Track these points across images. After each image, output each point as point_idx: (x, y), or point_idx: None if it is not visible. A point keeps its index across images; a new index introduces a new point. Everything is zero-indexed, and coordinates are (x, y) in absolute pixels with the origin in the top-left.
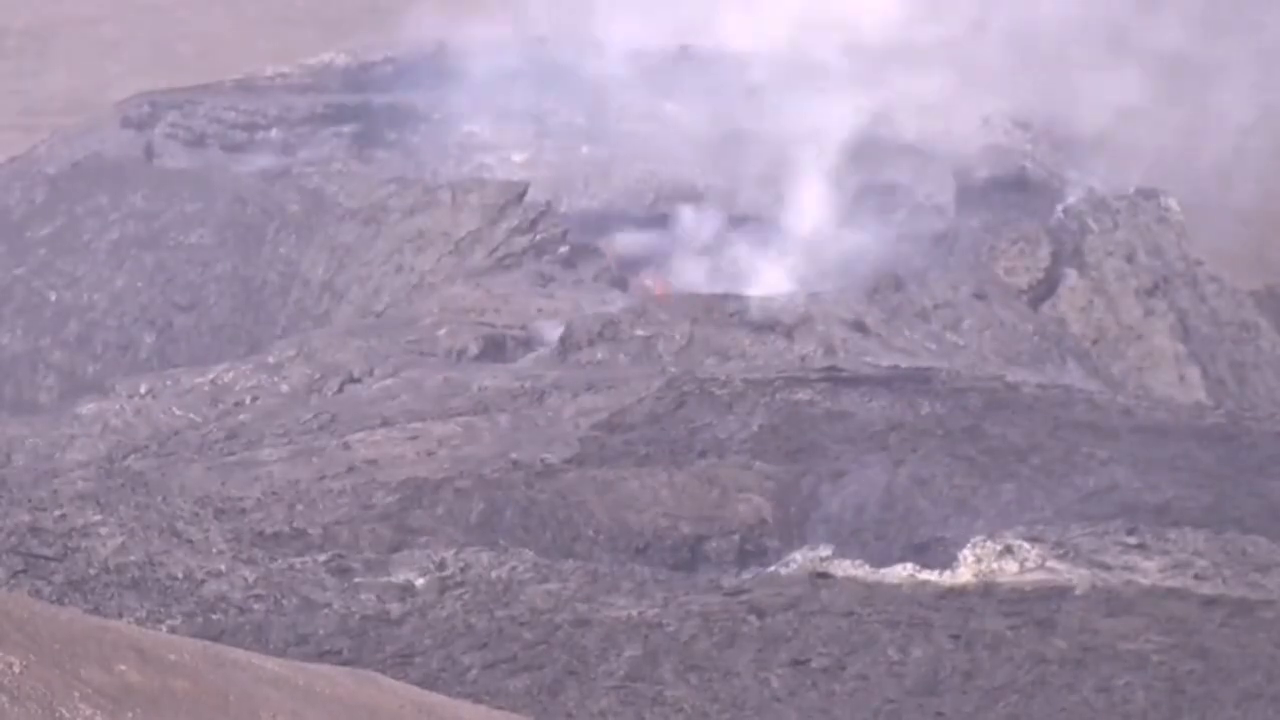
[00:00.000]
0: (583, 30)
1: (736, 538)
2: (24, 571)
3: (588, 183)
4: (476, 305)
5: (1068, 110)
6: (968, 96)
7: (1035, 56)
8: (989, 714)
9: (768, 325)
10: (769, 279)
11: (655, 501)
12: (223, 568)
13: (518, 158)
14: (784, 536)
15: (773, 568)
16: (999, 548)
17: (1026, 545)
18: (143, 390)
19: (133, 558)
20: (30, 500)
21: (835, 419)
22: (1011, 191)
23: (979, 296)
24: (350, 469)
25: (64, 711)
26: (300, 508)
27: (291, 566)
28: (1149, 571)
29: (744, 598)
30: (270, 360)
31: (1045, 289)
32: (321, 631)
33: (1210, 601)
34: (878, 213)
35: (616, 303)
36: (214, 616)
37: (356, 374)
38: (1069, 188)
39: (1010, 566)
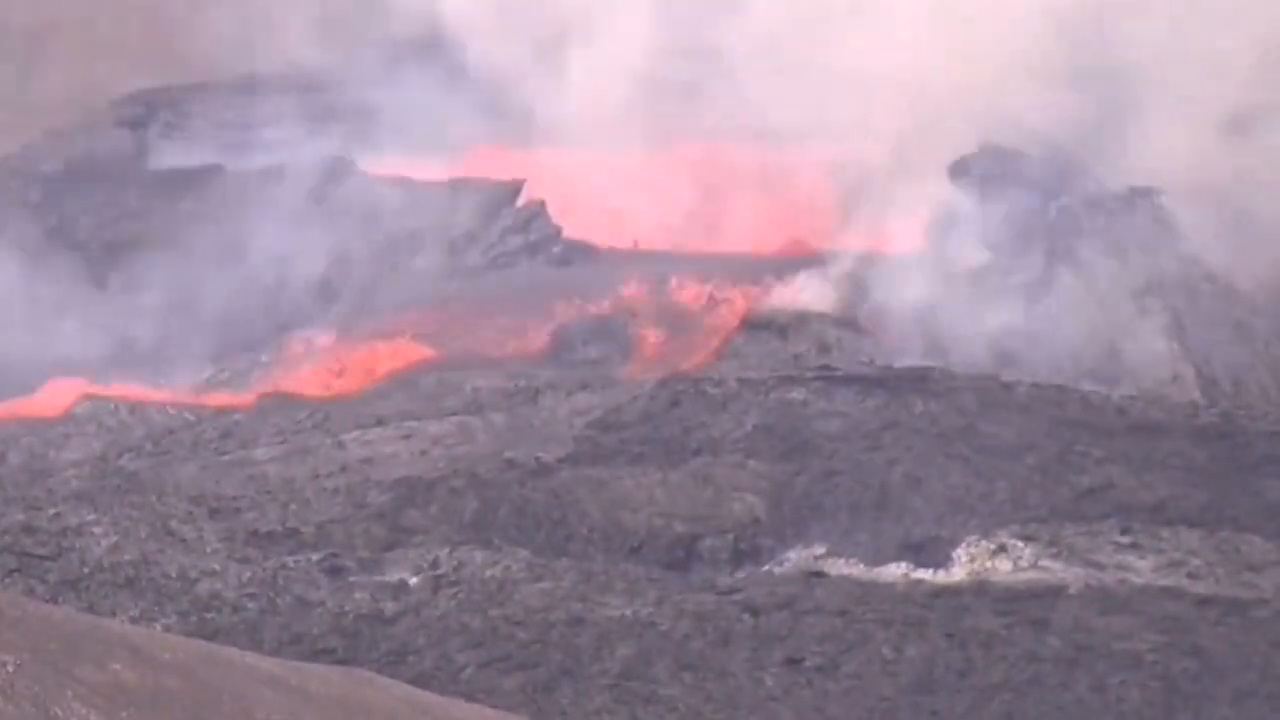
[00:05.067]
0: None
1: (730, 537)
2: (18, 570)
3: None
4: (472, 304)
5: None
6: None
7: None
8: (983, 712)
9: (762, 324)
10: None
11: (649, 501)
12: (216, 566)
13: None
14: (778, 535)
15: (767, 566)
16: (993, 546)
17: (1020, 544)
18: (138, 388)
19: (127, 557)
20: (24, 499)
21: (829, 418)
22: (1007, 190)
23: (975, 295)
24: (344, 468)
25: (58, 710)
26: (294, 507)
27: (285, 565)
28: (1143, 570)
29: (738, 596)
30: (264, 359)
31: (1040, 288)
32: (315, 630)
33: (1204, 600)
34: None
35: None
36: (208, 615)
37: (351, 372)
38: (1064, 187)
39: (1004, 565)
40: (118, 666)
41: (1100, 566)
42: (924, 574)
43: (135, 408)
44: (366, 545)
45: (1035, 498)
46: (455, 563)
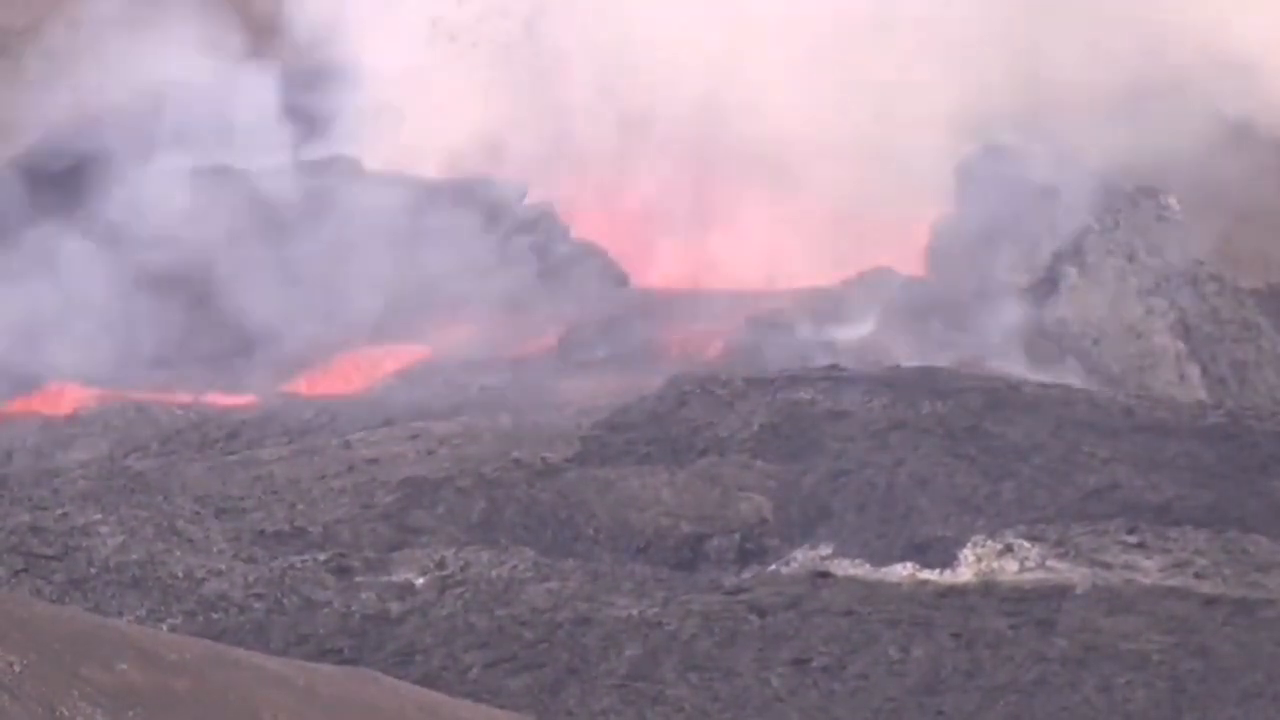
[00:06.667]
0: None
1: (737, 537)
2: (25, 570)
3: None
4: (478, 304)
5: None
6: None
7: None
8: (990, 713)
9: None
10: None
11: (656, 500)
12: (223, 567)
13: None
14: (785, 535)
15: (773, 567)
16: (999, 547)
17: (1027, 544)
18: (146, 389)
19: (133, 557)
20: (31, 499)
21: (836, 418)
22: (1012, 190)
23: (980, 295)
24: (351, 468)
25: (64, 710)
26: (301, 507)
27: (292, 565)
28: (1150, 571)
29: (745, 597)
30: (271, 359)
31: (1046, 288)
32: (322, 630)
33: (1211, 601)
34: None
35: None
36: (214, 615)
37: (358, 373)
38: (1070, 186)
39: (1011, 565)
40: (124, 666)
41: (1107, 567)
42: (930, 574)
43: (142, 408)
44: (373, 545)
45: (1042, 498)
46: (462, 563)
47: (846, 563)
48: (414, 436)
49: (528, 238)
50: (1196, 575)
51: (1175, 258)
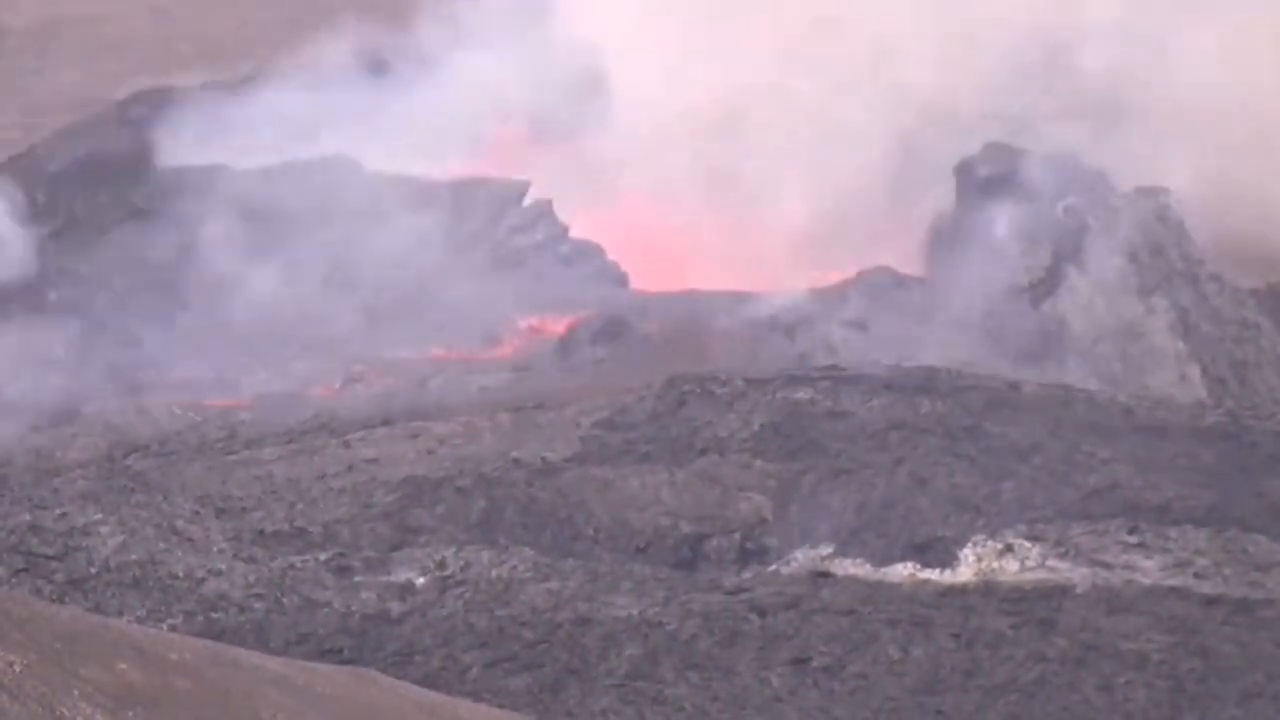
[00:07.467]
0: None
1: (737, 536)
2: (25, 570)
3: None
4: (478, 305)
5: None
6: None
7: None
8: (990, 713)
9: (769, 324)
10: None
11: (656, 500)
12: (223, 566)
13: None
14: (785, 535)
15: (773, 566)
16: (1000, 546)
17: (1027, 544)
18: (145, 389)
19: (133, 557)
20: (31, 499)
21: (836, 418)
22: (1012, 189)
23: (980, 295)
24: (350, 468)
25: (64, 710)
26: (301, 506)
27: (292, 565)
28: (1150, 570)
29: (745, 596)
30: (269, 358)
31: (1046, 287)
32: (322, 630)
33: (1211, 600)
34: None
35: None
36: (214, 615)
37: (357, 372)
38: (1070, 185)
39: (1011, 565)
40: (124, 666)
41: (1107, 566)
42: (930, 574)
43: (142, 408)
44: (373, 545)
45: (1042, 498)
46: (462, 563)
47: (846, 563)
48: (414, 436)
49: (528, 237)
50: (1196, 575)
51: (1175, 258)
